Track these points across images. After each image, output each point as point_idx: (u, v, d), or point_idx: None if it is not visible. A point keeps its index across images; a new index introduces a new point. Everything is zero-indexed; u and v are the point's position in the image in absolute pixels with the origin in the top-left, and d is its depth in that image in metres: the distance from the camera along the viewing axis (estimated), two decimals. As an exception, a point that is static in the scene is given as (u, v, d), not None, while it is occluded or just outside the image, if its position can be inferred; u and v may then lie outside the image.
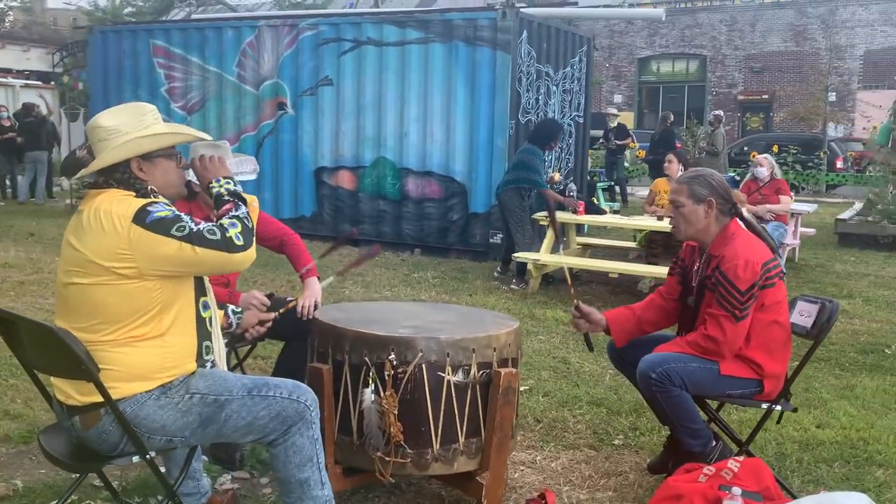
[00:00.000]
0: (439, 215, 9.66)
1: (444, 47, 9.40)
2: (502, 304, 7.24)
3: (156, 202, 2.43)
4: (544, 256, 7.72)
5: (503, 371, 3.05)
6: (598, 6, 25.86)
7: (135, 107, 2.56)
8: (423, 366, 2.96)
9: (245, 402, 2.51)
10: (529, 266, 7.64)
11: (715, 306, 3.11)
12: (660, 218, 7.73)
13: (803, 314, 3.32)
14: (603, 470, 3.65)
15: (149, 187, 2.52)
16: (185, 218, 2.40)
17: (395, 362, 2.96)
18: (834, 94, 28.85)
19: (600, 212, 8.60)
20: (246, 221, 2.46)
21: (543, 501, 2.80)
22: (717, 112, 15.67)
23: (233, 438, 2.58)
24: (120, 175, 2.48)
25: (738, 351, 3.14)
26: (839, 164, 22.12)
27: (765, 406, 3.23)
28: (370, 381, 2.98)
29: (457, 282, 8.05)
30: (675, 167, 8.35)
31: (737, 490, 2.89)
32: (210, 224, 2.41)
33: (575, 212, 7.88)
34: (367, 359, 2.99)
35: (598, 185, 12.52)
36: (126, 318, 2.39)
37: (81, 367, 2.29)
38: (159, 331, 2.43)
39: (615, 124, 15.22)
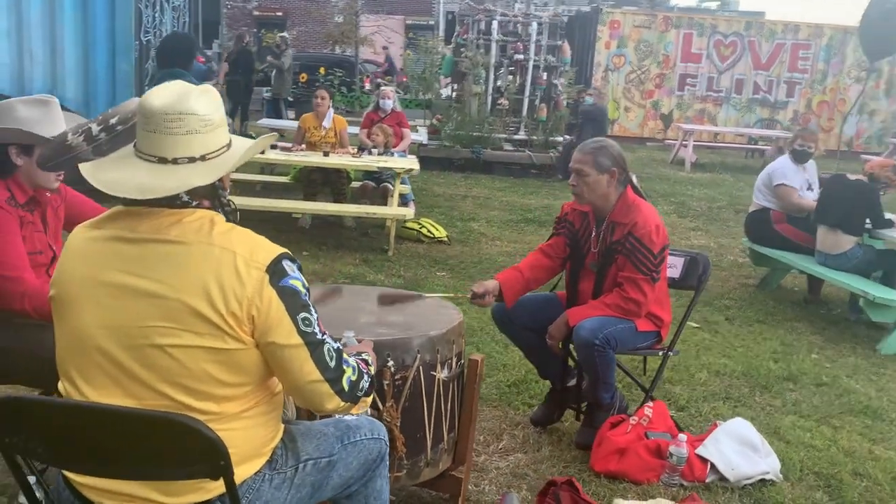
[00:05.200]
0: (47, 150, 8.14)
1: (40, -54, 7.77)
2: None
3: (291, 259, 1.78)
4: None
5: (479, 357, 2.91)
6: None
7: (210, 90, 1.79)
8: (420, 368, 2.68)
9: (342, 455, 2.03)
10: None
11: (631, 270, 3.33)
12: (325, 154, 7.62)
13: (667, 266, 3.73)
14: (496, 432, 3.68)
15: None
16: (313, 310, 1.78)
17: (393, 369, 2.62)
18: (341, 16, 30.72)
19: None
20: (366, 382, 1.92)
21: (573, 488, 2.78)
22: (283, 34, 15.64)
23: (317, 499, 2.06)
24: (210, 185, 1.76)
25: (646, 308, 3.44)
26: (367, 86, 23.84)
27: (660, 353, 3.62)
28: (362, 395, 2.60)
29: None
30: (326, 104, 8.27)
31: (682, 437, 3.23)
32: (332, 340, 1.83)
33: None
34: (357, 370, 2.58)
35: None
36: (242, 385, 1.74)
37: (220, 462, 1.60)
38: (267, 393, 1.82)
39: (181, 41, 14.19)
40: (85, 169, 1.75)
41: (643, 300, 3.34)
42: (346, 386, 1.83)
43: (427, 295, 3.23)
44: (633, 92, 17.81)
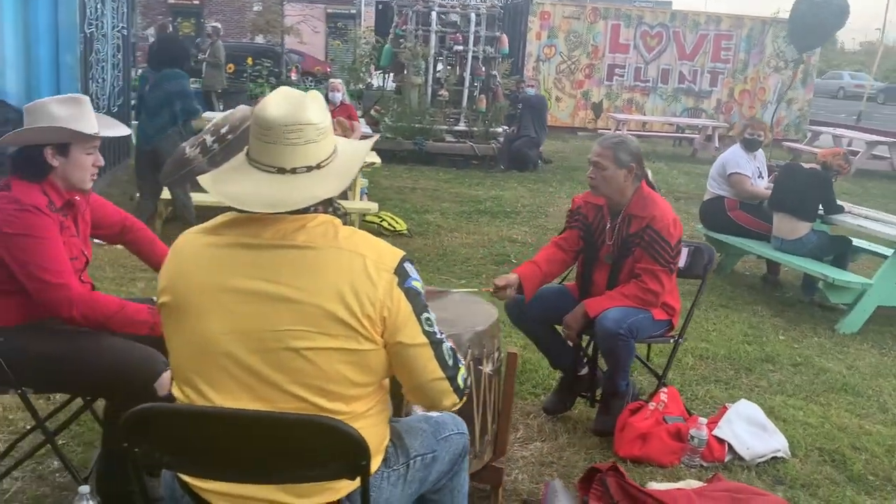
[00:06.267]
0: (-12, 147, 7.77)
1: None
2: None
3: (410, 262, 1.80)
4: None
5: (516, 351, 2.97)
6: None
7: (317, 95, 1.79)
8: (471, 363, 2.72)
9: (439, 451, 2.06)
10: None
11: (649, 261, 3.44)
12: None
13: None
14: (511, 423, 3.73)
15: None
16: (430, 310, 1.82)
17: (447, 366, 2.65)
18: (260, 4, 30.25)
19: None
20: (470, 379, 1.96)
21: (618, 474, 2.85)
22: (215, 24, 15.30)
23: (417, 494, 2.09)
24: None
25: (660, 298, 3.55)
26: (294, 77, 23.51)
27: (671, 341, 3.75)
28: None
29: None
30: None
31: (702, 420, 3.36)
32: (448, 339, 1.87)
33: None
34: (412, 368, 2.61)
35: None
36: (368, 385, 1.77)
37: (362, 462, 1.62)
38: (384, 393, 1.85)
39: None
40: (204, 181, 1.75)
41: (661, 291, 3.45)
42: (461, 383, 1.87)
43: (454, 290, 3.28)
44: (563, 82, 18.08)
